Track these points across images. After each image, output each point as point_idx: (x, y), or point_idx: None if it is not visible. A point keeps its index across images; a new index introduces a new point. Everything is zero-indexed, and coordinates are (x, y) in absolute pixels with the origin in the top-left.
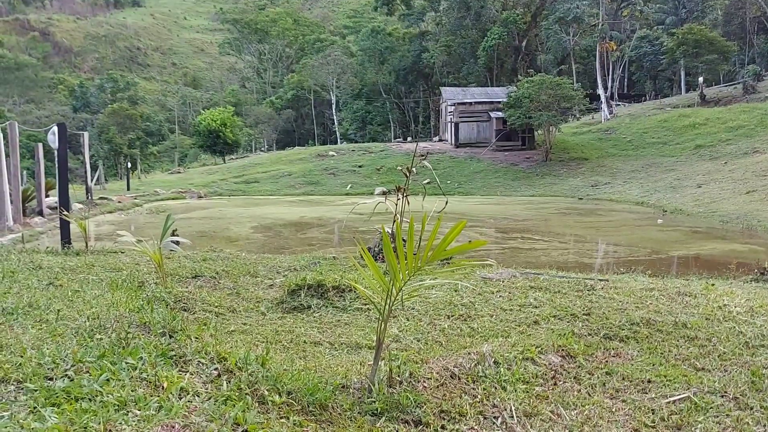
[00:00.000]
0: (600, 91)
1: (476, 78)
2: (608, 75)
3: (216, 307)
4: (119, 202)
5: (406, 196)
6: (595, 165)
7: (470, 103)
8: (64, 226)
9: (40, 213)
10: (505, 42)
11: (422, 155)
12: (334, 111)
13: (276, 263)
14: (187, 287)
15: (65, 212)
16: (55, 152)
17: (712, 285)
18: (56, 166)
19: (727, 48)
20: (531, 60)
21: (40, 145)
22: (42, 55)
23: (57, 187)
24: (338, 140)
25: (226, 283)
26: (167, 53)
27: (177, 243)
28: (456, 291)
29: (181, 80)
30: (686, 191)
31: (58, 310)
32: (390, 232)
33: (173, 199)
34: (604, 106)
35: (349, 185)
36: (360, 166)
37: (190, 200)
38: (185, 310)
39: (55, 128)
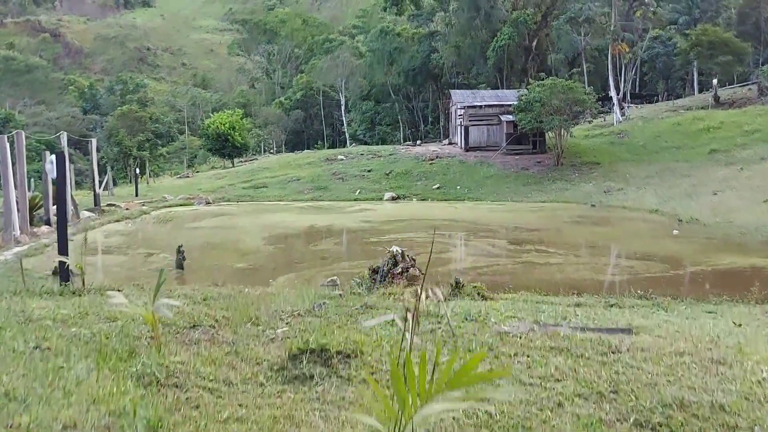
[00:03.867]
0: (612, 93)
1: (486, 78)
2: (620, 76)
3: (211, 381)
4: (127, 209)
5: (418, 319)
6: (608, 170)
7: (480, 107)
8: (62, 265)
9: (48, 222)
10: (515, 42)
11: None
12: (343, 112)
13: (279, 306)
14: (181, 353)
15: (64, 256)
16: (50, 180)
17: (740, 326)
18: (55, 195)
19: (742, 49)
20: (542, 60)
21: (47, 152)
22: (52, 57)
23: (57, 221)
24: (347, 141)
25: (226, 335)
26: (177, 54)
27: (183, 259)
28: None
29: (191, 81)
30: (702, 199)
31: (35, 411)
32: (398, 250)
33: (181, 206)
34: (616, 108)
35: (358, 190)
36: (369, 171)
37: (198, 206)
38: (177, 387)
39: (53, 158)
